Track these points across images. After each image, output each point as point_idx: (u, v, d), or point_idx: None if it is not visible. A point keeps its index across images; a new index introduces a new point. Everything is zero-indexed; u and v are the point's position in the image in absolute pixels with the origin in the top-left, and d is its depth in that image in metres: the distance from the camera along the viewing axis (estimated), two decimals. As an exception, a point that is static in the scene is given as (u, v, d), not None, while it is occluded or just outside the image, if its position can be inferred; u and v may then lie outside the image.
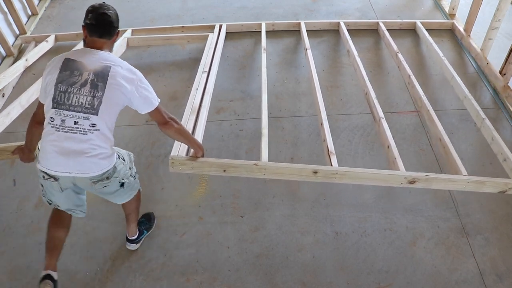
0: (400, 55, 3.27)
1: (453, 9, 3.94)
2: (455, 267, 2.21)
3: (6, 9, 3.81)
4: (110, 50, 1.87)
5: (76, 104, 1.70)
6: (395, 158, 2.25)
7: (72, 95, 1.70)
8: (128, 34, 3.70)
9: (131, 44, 3.63)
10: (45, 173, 1.80)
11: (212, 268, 2.25)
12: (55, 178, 1.81)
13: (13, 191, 2.66)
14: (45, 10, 4.41)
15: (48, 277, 1.90)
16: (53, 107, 1.72)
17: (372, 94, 2.79)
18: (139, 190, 2.14)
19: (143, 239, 2.34)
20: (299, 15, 4.15)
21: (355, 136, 2.92)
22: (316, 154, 2.79)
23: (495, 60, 3.28)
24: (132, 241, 2.30)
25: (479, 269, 2.19)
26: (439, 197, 2.52)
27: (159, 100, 1.88)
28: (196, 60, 3.63)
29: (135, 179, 2.06)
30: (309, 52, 3.30)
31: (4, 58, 3.71)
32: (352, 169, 2.15)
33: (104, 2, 1.84)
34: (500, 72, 3.14)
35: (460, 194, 2.53)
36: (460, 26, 3.74)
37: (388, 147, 2.43)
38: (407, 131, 2.93)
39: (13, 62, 3.67)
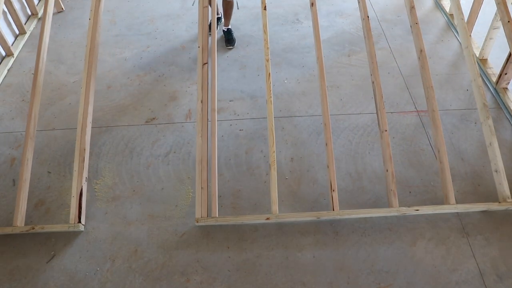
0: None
1: (454, 8, 3.94)
2: (455, 268, 2.21)
3: (6, 9, 3.81)
4: None
5: None
6: (391, 190, 2.41)
7: None
8: None
9: None
10: None
11: (212, 268, 2.25)
12: None
13: (13, 191, 2.66)
14: (45, 10, 4.41)
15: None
16: None
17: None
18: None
19: None
20: (299, 15, 4.15)
21: (355, 136, 2.92)
22: (316, 154, 2.79)
23: (496, 60, 3.28)
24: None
25: (479, 270, 2.19)
26: (439, 198, 2.52)
27: None
28: (196, 61, 3.64)
29: None
30: (315, 7, 2.99)
31: (3, 58, 3.71)
32: (351, 211, 2.41)
33: None
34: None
35: (461, 194, 2.53)
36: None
37: (387, 170, 2.46)
38: (407, 131, 2.93)
39: (13, 62, 3.67)
